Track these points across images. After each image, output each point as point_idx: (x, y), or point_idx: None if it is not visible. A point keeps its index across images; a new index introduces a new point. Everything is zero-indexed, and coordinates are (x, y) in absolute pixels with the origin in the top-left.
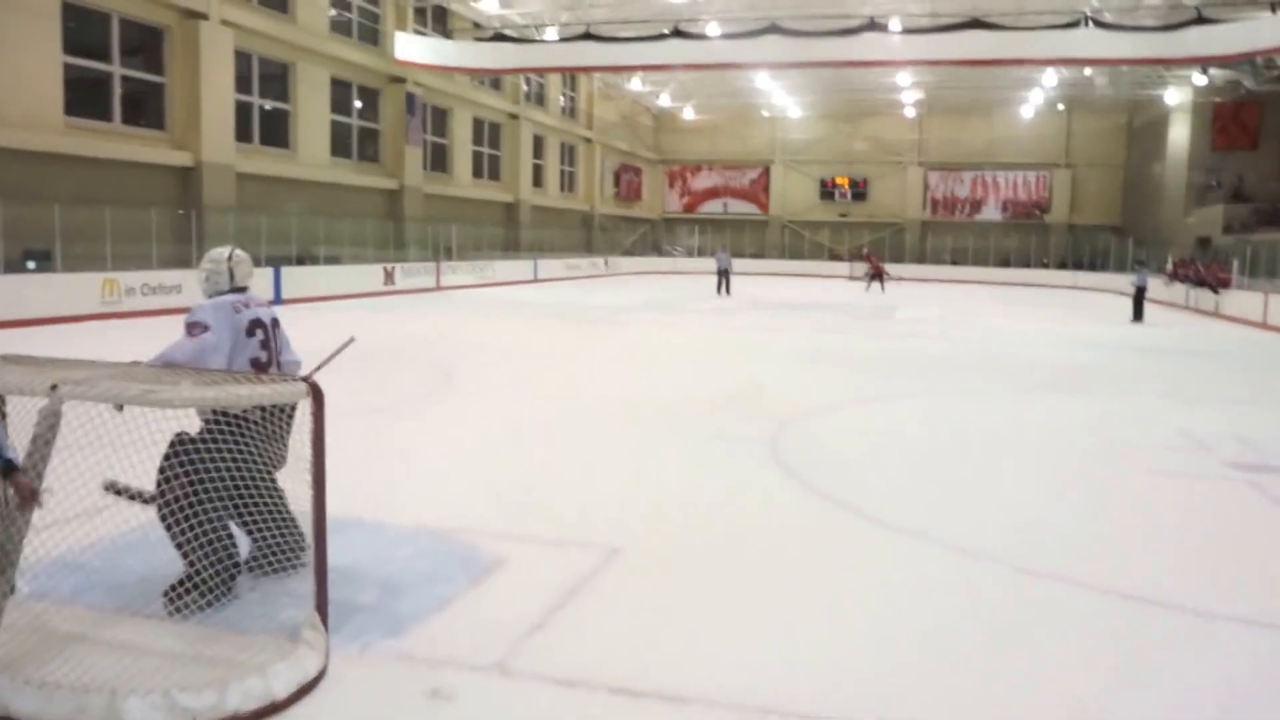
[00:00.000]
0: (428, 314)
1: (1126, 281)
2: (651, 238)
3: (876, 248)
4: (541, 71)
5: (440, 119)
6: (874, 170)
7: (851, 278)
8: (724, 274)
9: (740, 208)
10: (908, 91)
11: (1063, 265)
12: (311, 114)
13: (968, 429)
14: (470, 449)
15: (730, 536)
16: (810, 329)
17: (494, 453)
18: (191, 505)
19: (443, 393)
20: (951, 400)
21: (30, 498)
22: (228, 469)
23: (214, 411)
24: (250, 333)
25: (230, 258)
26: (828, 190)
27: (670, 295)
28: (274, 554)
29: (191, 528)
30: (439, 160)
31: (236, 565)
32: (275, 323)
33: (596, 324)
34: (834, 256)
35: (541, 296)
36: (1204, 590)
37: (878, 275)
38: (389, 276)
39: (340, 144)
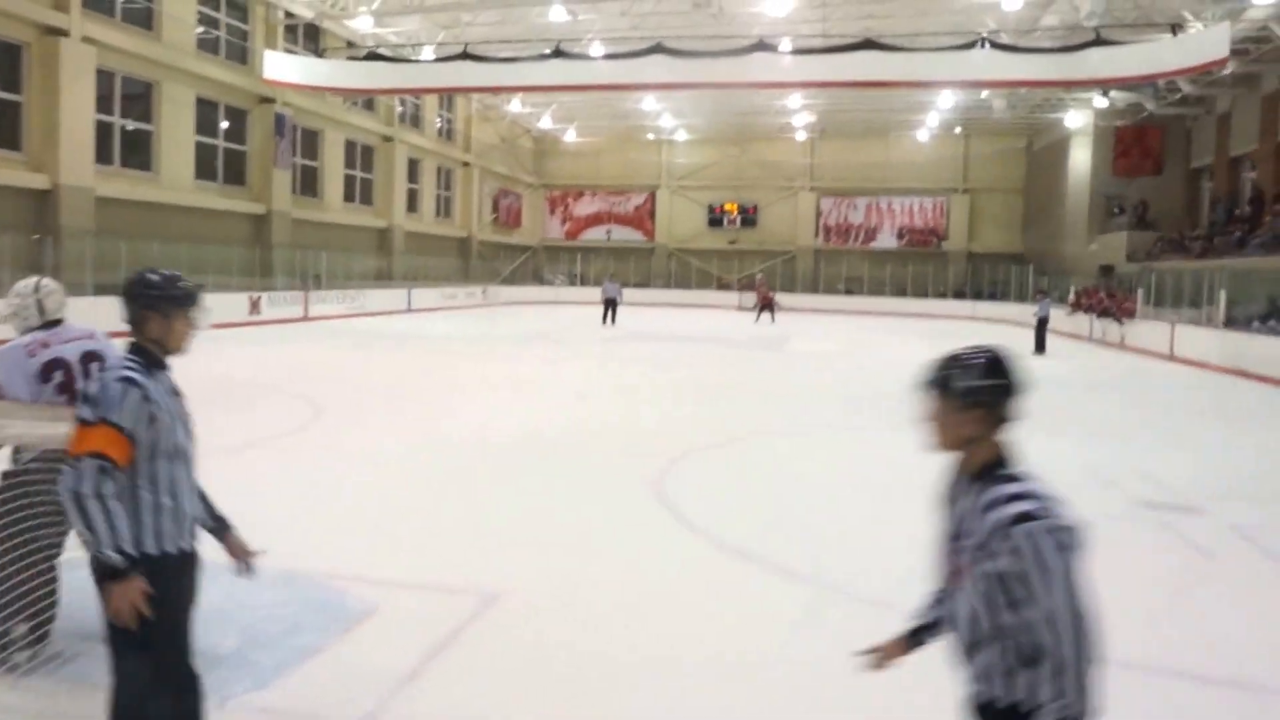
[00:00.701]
0: (295, 345)
1: (1028, 312)
2: (532, 266)
3: (767, 277)
4: (417, 92)
5: (311, 141)
6: (765, 196)
7: (741, 308)
8: (611, 304)
9: (625, 235)
10: (799, 114)
11: (961, 295)
12: (176, 135)
13: (858, 466)
14: (338, 488)
15: (615, 581)
16: (699, 362)
17: (364, 492)
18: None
19: (309, 429)
20: (842, 436)
21: (246, 556)
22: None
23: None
24: (46, 376)
25: (38, 289)
26: (716, 217)
27: (553, 326)
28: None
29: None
30: (309, 184)
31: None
32: (90, 356)
33: (474, 357)
34: (723, 286)
35: (416, 327)
36: (1135, 643)
37: (768, 306)
38: (255, 306)
39: (205, 166)
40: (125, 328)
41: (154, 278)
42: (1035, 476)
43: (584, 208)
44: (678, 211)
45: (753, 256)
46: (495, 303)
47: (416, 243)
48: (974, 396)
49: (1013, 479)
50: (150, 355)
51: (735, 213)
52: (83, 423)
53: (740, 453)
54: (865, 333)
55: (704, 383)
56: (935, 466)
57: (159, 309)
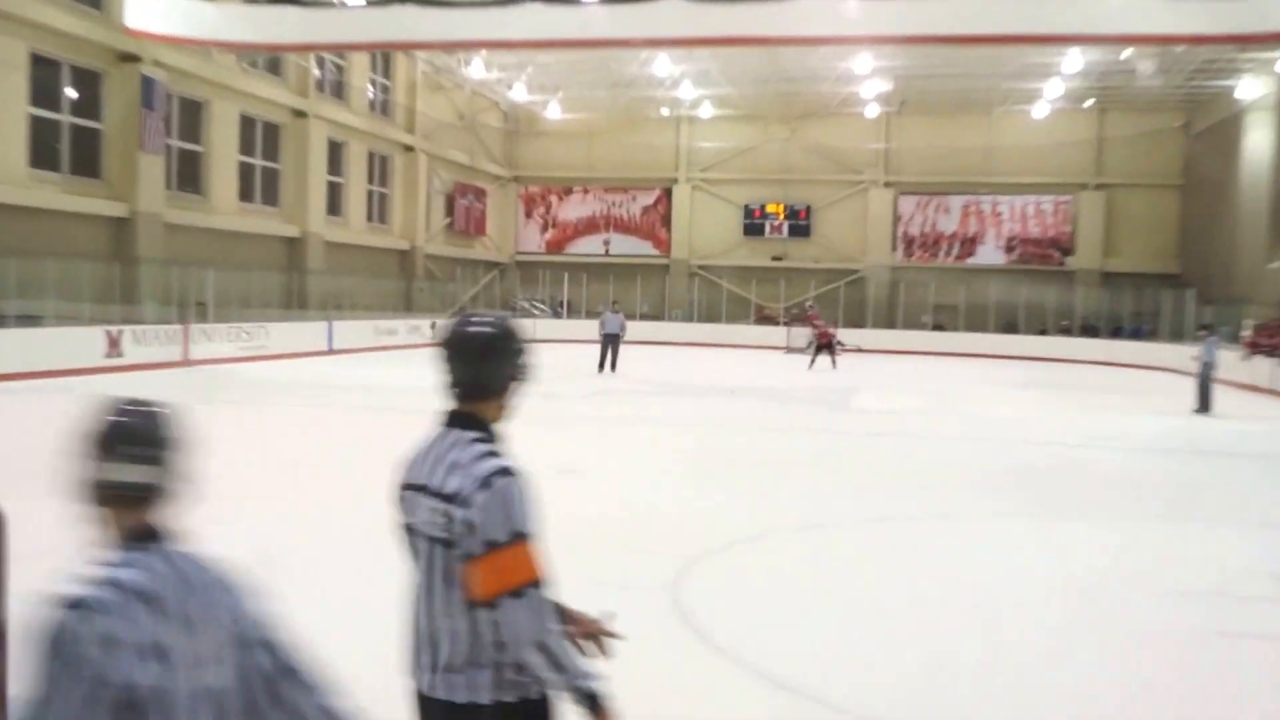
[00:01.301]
0: (169, 401)
1: (1187, 355)
2: (501, 290)
3: (824, 306)
4: (341, 49)
5: (192, 117)
6: (822, 194)
7: (790, 349)
8: (610, 343)
9: (629, 247)
10: (869, 82)
11: (1093, 331)
12: (2, 107)
13: (947, 572)
14: None
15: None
16: (729, 424)
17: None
18: None
19: (189, 521)
20: (923, 529)
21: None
22: None
23: None
24: None
25: None
26: (755, 223)
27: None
28: None
29: None
30: (189, 176)
31: None
32: None
33: (421, 418)
34: (764, 318)
35: (339, 375)
36: None
37: (826, 346)
38: (114, 345)
39: (44, 151)
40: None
41: (515, 326)
42: None
43: (572, 210)
44: (702, 215)
45: (805, 277)
46: None
47: (340, 258)
48: None
49: None
50: (493, 433)
51: (781, 217)
52: (492, 546)
53: (782, 550)
54: (959, 384)
55: (735, 453)
56: (1084, 567)
57: (522, 375)
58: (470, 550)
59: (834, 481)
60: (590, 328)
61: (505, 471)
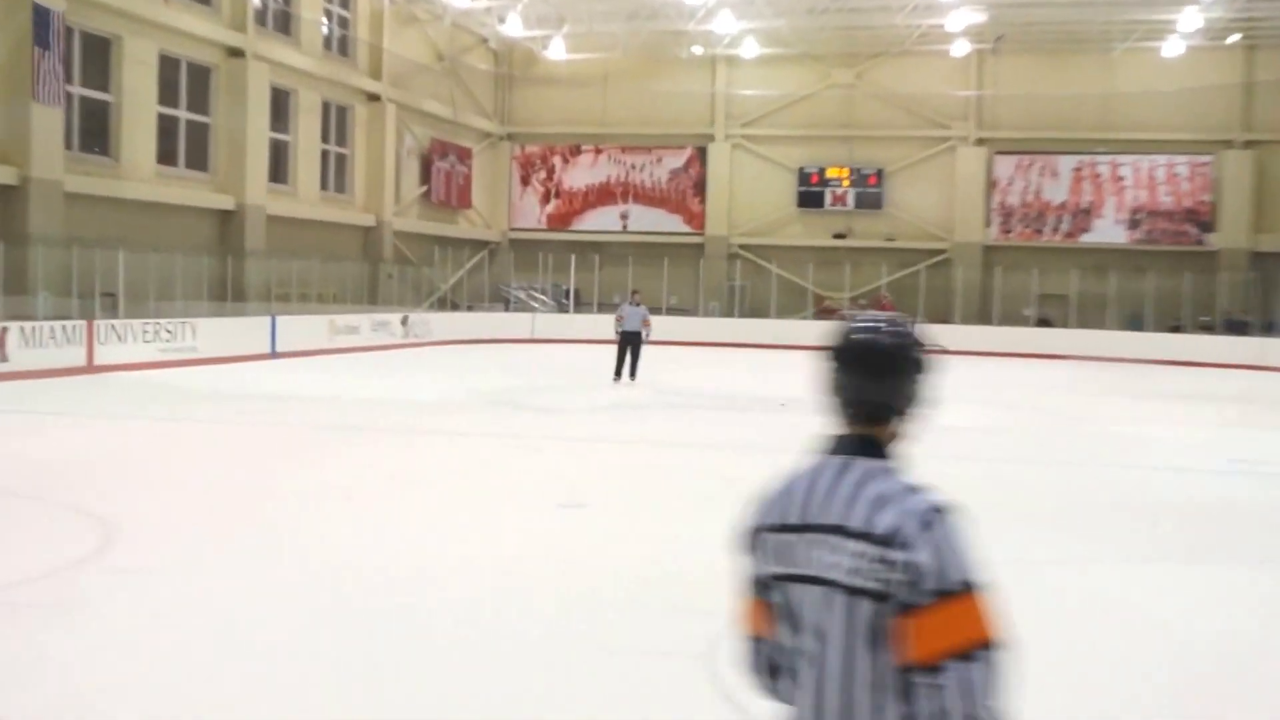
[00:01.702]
0: (71, 419)
1: None
2: (490, 276)
3: (900, 296)
4: None
5: (99, 57)
6: (896, 154)
7: None
8: (630, 343)
9: (652, 222)
10: (957, 12)
11: (1240, 328)
12: None
13: (1060, 633)
14: (154, 667)
15: None
16: (780, 447)
17: (205, 672)
18: None
19: (96, 565)
20: (1030, 578)
21: None
22: None
23: None
24: None
25: None
26: (813, 191)
27: (526, 382)
28: None
29: None
30: (95, 133)
31: None
32: None
33: (387, 437)
34: (825, 312)
35: (285, 384)
36: None
37: None
38: None
39: None
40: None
41: (921, 333)
42: None
43: (581, 176)
44: (745, 182)
45: (875, 260)
46: (425, 340)
47: (287, 237)
48: None
49: None
50: (899, 462)
51: (845, 184)
52: (943, 596)
53: None
54: (1071, 394)
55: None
56: (1215, 639)
57: (927, 393)
58: (910, 601)
59: None
60: (604, 324)
61: (944, 507)
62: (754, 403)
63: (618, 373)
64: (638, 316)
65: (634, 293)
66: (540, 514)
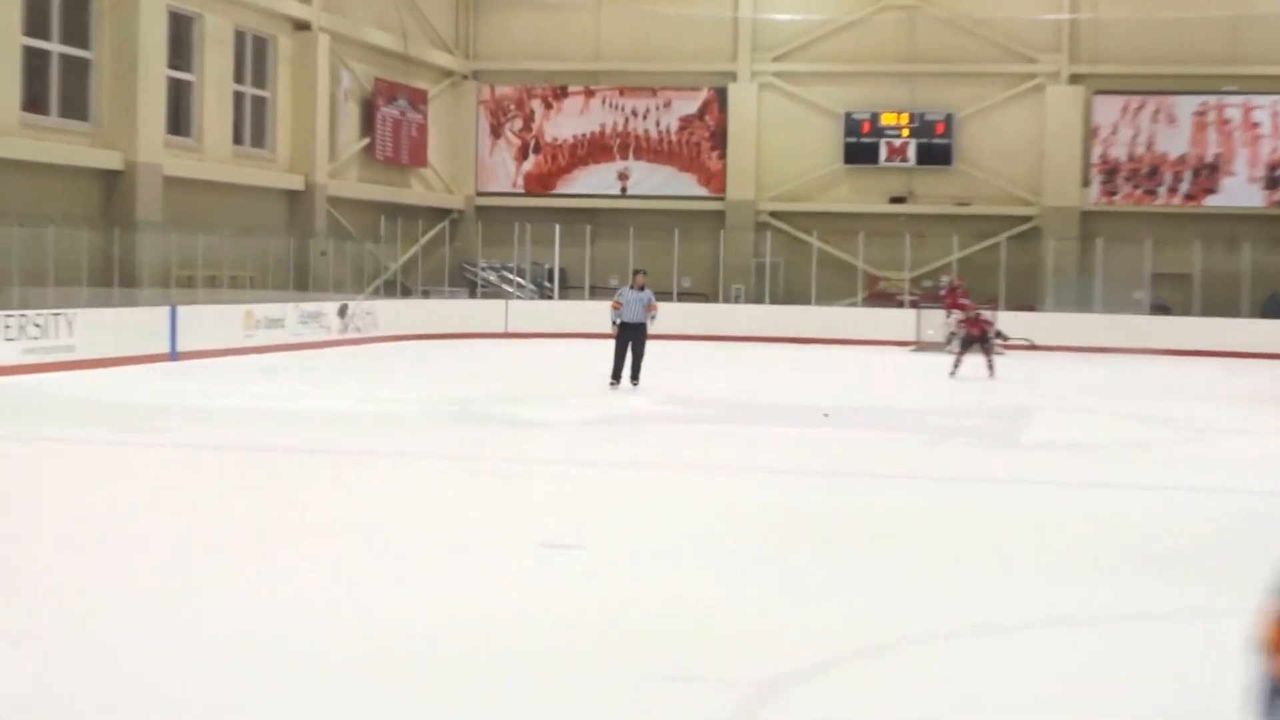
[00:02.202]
0: None
1: None
2: (451, 252)
3: (975, 276)
4: None
5: None
6: (969, 96)
7: (920, 346)
8: (631, 338)
9: (660, 182)
10: None
11: None
12: None
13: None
14: None
15: None
16: (822, 470)
17: None
18: None
19: None
20: (1138, 636)
21: None
22: None
23: None
24: None
25: None
26: (863, 142)
27: (498, 389)
28: None
29: None
30: None
31: None
32: None
33: (317, 466)
34: (879, 297)
35: (186, 395)
36: None
37: (979, 340)
38: None
39: None
40: None
41: None
42: None
43: (568, 124)
44: (778, 131)
45: (944, 230)
46: (369, 335)
47: (191, 204)
48: None
49: None
50: None
51: (905, 133)
52: None
53: (908, 674)
54: (1196, 401)
55: (832, 517)
56: None
57: None
58: None
59: (997, 562)
60: (598, 314)
61: None
62: (789, 413)
63: (616, 375)
64: (640, 304)
65: (636, 274)
66: (517, 559)
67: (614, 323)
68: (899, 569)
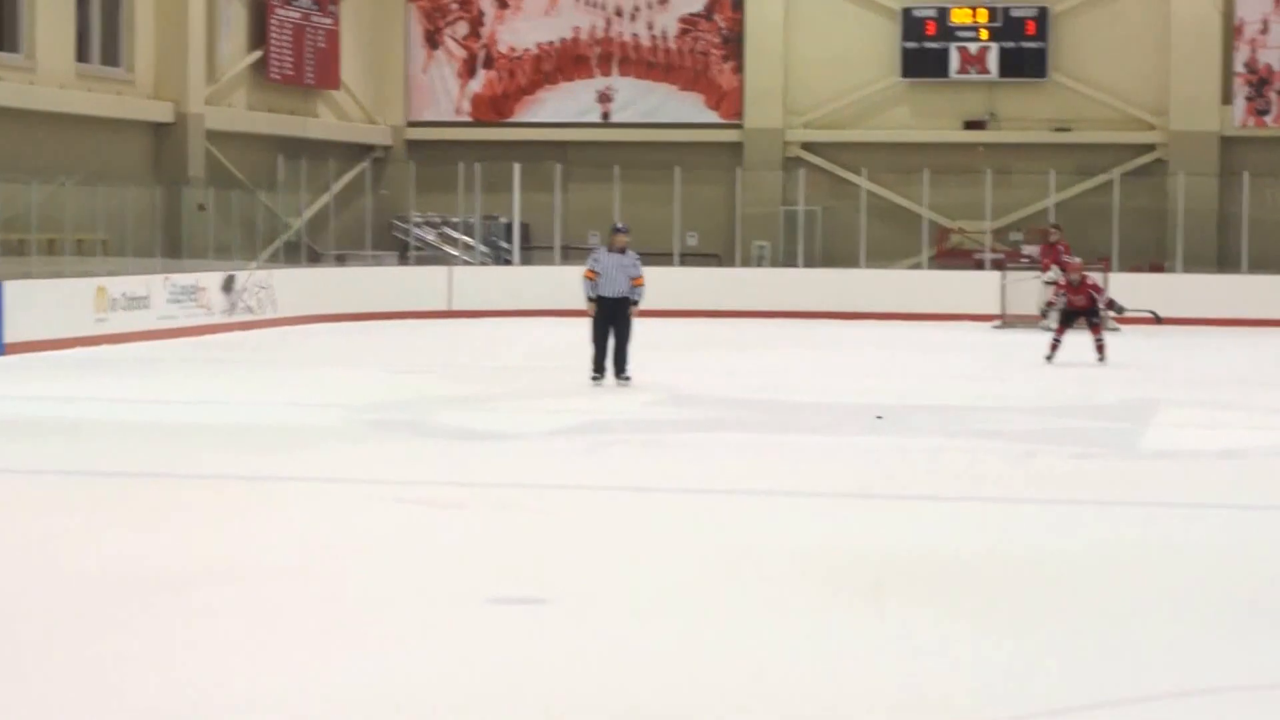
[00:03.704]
0: None
1: None
2: (374, 202)
3: (1082, 227)
4: None
5: None
6: None
7: (1006, 321)
8: (612, 317)
9: (654, 105)
10: None
11: None
12: None
13: None
14: None
15: None
16: (869, 492)
17: None
18: None
19: None
20: None
21: None
22: None
23: None
24: None
25: None
26: (927, 48)
27: (439, 388)
28: None
29: None
30: None
31: None
32: None
33: (199, 495)
34: (950, 255)
35: (18, 400)
36: None
37: (1084, 312)
38: None
39: None
40: None
41: None
42: None
43: (528, 30)
44: (811, 33)
45: (1036, 163)
46: (265, 317)
47: (21, 140)
48: None
49: None
50: None
51: (984, 35)
52: None
53: None
54: None
55: (881, 562)
56: None
57: None
58: None
59: (1116, 615)
60: (573, 282)
61: None
62: (830, 416)
63: (599, 367)
64: (623, 272)
65: (616, 232)
66: (465, 616)
67: (589, 297)
68: (976, 630)
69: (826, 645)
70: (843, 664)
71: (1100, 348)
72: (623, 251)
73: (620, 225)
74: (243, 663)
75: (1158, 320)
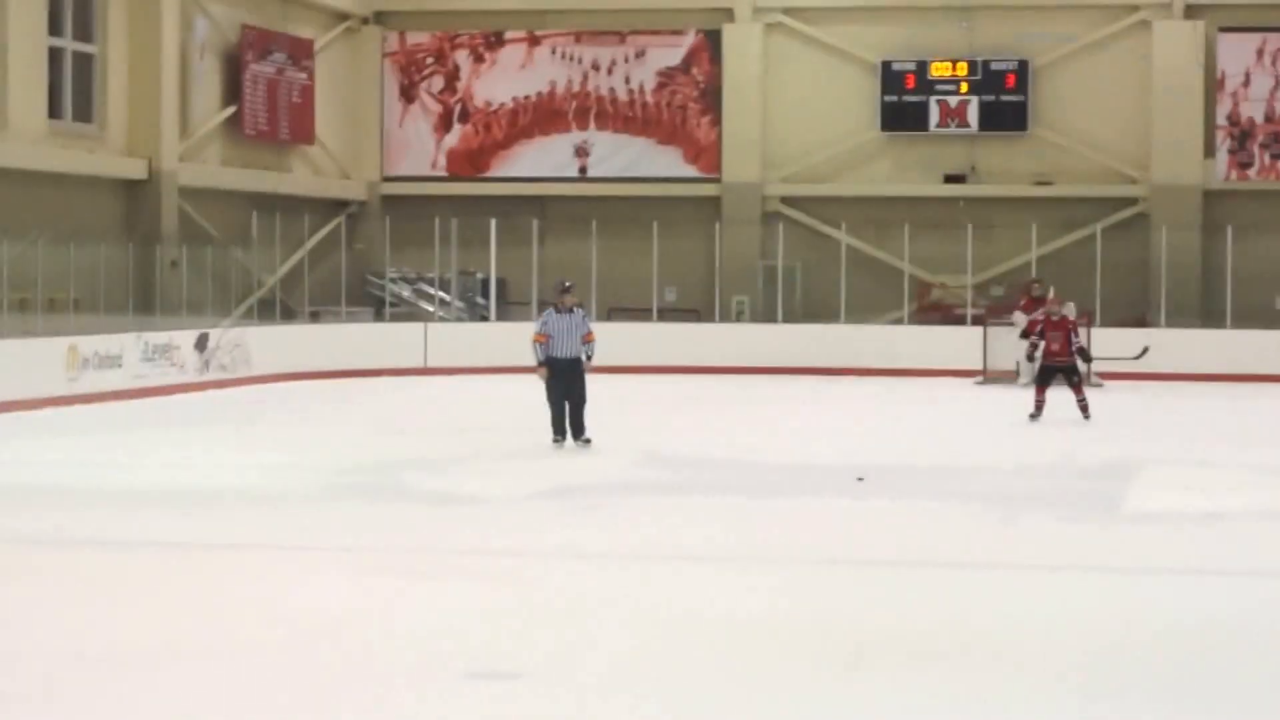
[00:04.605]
0: None
1: None
2: (348, 260)
3: (1065, 280)
4: None
5: None
6: (1047, 34)
7: (988, 377)
8: (565, 381)
9: (632, 159)
10: None
11: None
12: None
13: None
14: None
15: None
16: (853, 557)
17: None
18: None
19: None
20: None
21: None
22: None
23: None
24: None
25: None
26: (908, 101)
27: (414, 449)
28: None
29: None
30: None
31: None
32: None
33: (165, 563)
34: (933, 310)
35: None
36: None
37: (1063, 365)
38: None
39: None
40: None
41: None
42: None
43: (506, 83)
44: (791, 87)
45: (1018, 217)
46: (237, 376)
47: None
48: None
49: None
50: None
51: (964, 88)
52: None
53: None
54: None
55: (866, 630)
56: None
57: None
58: None
59: (1100, 692)
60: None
61: None
62: (811, 477)
63: (559, 429)
64: (574, 330)
65: (564, 289)
66: (440, 696)
67: (538, 360)
68: (956, 702)
69: (792, 710)
70: None
71: (1084, 407)
72: (569, 310)
73: (568, 284)
74: None
75: (1143, 354)
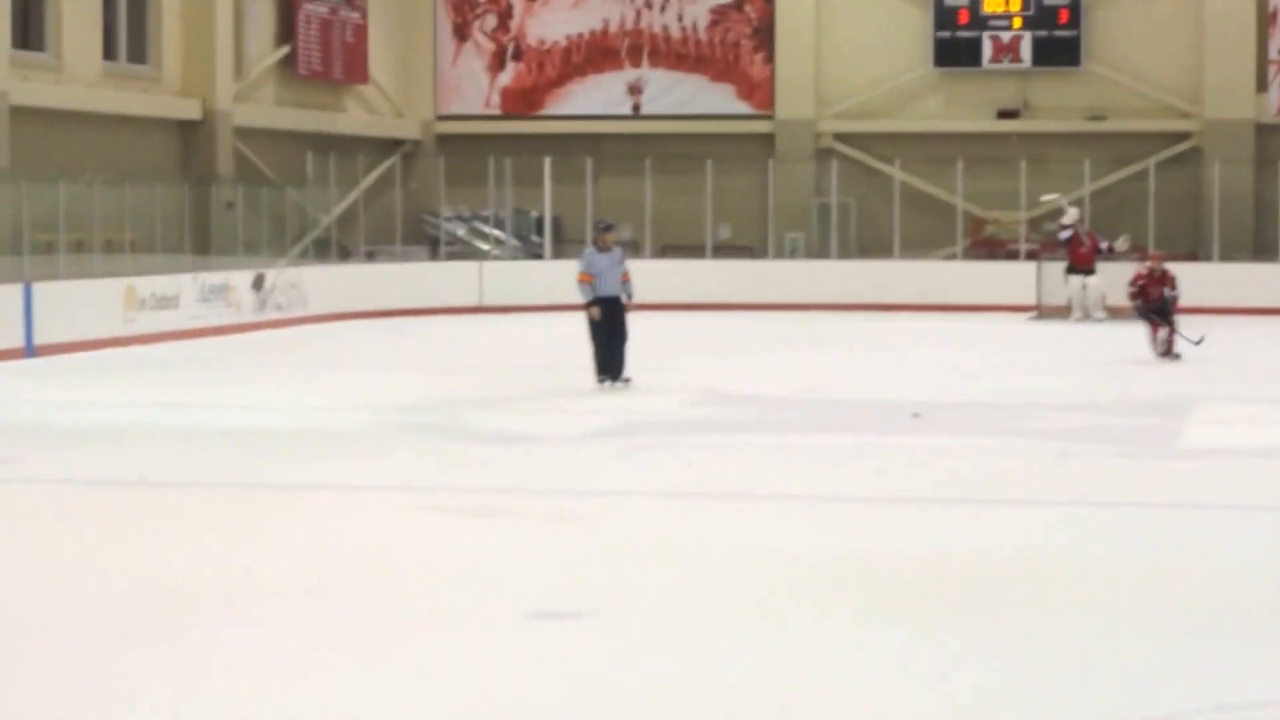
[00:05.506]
0: None
1: None
2: (404, 197)
3: (1117, 216)
4: None
5: None
6: None
7: (1043, 312)
8: (606, 318)
9: (685, 96)
10: None
11: None
12: None
13: None
14: None
15: None
16: (909, 495)
17: None
18: None
19: None
20: None
21: None
22: None
23: None
24: None
25: None
26: (960, 37)
27: (469, 389)
28: None
29: None
30: None
31: None
32: None
33: (226, 504)
34: (986, 244)
35: (46, 405)
36: None
37: (1157, 303)
38: None
39: None
40: None
41: None
42: None
43: (558, 22)
44: (844, 23)
45: (1070, 152)
46: (294, 315)
47: (49, 140)
48: None
49: None
50: None
51: (1017, 23)
52: None
53: None
54: None
55: (925, 571)
56: None
57: None
58: None
59: (1161, 627)
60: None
61: None
62: (866, 414)
63: (604, 369)
64: (615, 269)
65: (607, 229)
66: (503, 633)
67: (586, 300)
68: (1013, 640)
69: (861, 658)
70: (877, 678)
71: (1168, 343)
72: (608, 248)
73: (609, 223)
74: (267, 684)
75: (1200, 341)
